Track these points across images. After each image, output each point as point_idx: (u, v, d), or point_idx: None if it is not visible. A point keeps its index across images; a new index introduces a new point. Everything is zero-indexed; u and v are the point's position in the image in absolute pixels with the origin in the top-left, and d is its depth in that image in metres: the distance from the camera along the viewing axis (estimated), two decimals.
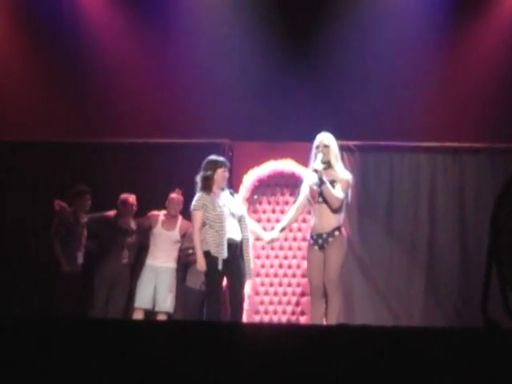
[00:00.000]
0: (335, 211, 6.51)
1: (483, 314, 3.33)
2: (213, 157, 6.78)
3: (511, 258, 3.33)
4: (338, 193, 6.54)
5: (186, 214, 7.74)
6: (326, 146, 6.59)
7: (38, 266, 7.99)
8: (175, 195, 7.86)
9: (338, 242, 6.47)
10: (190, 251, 7.71)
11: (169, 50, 8.66)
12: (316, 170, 6.55)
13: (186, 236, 7.83)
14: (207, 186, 6.58)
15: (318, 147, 6.67)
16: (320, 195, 6.62)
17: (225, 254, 6.41)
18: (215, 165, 6.66)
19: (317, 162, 6.58)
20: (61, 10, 8.67)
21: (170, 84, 8.58)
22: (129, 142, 8.46)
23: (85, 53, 8.66)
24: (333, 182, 6.59)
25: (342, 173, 6.62)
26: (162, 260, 7.79)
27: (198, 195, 6.60)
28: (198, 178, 6.65)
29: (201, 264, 6.51)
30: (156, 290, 7.76)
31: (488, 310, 3.33)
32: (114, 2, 8.80)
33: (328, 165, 6.63)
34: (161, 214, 7.90)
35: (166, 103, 8.58)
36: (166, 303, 7.73)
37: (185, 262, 7.83)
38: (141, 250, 7.93)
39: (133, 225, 7.91)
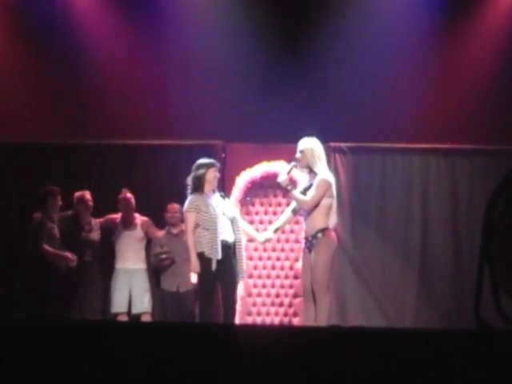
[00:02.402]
0: (310, 213, 6.45)
1: (475, 315, 3.34)
2: (203, 159, 6.77)
3: (503, 260, 3.34)
4: (305, 196, 6.45)
5: (145, 212, 7.89)
6: (301, 152, 6.54)
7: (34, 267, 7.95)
8: (123, 195, 7.84)
9: (322, 244, 6.38)
10: (164, 256, 7.68)
11: (162, 52, 8.65)
12: (278, 183, 6.59)
13: (153, 241, 7.82)
14: (199, 187, 6.56)
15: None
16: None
17: (219, 255, 6.40)
18: (206, 165, 6.66)
19: (282, 174, 6.58)
20: (56, 11, 8.66)
21: (163, 86, 8.57)
22: (122, 143, 8.45)
23: (80, 55, 8.65)
24: (311, 186, 6.50)
25: (321, 174, 6.49)
26: (132, 262, 7.80)
27: (190, 197, 6.57)
28: (189, 180, 6.62)
29: (195, 266, 6.45)
30: (131, 292, 7.77)
31: (480, 310, 3.34)
32: (110, 3, 8.79)
33: (309, 169, 6.55)
34: (118, 217, 7.91)
35: (159, 105, 8.57)
36: (143, 304, 7.76)
37: (157, 267, 7.79)
38: (105, 252, 7.89)
39: (93, 222, 7.88)
